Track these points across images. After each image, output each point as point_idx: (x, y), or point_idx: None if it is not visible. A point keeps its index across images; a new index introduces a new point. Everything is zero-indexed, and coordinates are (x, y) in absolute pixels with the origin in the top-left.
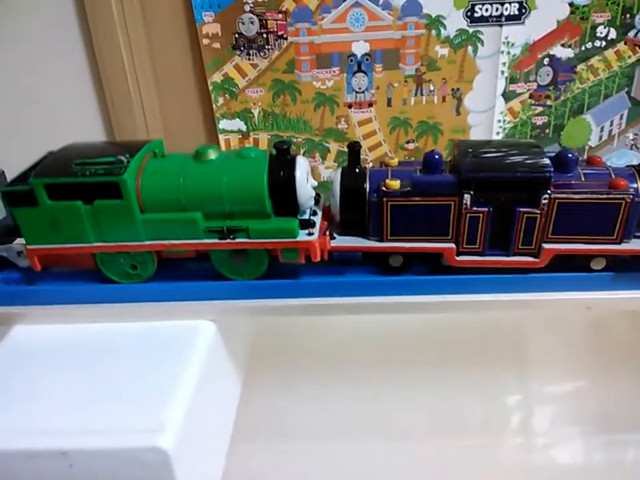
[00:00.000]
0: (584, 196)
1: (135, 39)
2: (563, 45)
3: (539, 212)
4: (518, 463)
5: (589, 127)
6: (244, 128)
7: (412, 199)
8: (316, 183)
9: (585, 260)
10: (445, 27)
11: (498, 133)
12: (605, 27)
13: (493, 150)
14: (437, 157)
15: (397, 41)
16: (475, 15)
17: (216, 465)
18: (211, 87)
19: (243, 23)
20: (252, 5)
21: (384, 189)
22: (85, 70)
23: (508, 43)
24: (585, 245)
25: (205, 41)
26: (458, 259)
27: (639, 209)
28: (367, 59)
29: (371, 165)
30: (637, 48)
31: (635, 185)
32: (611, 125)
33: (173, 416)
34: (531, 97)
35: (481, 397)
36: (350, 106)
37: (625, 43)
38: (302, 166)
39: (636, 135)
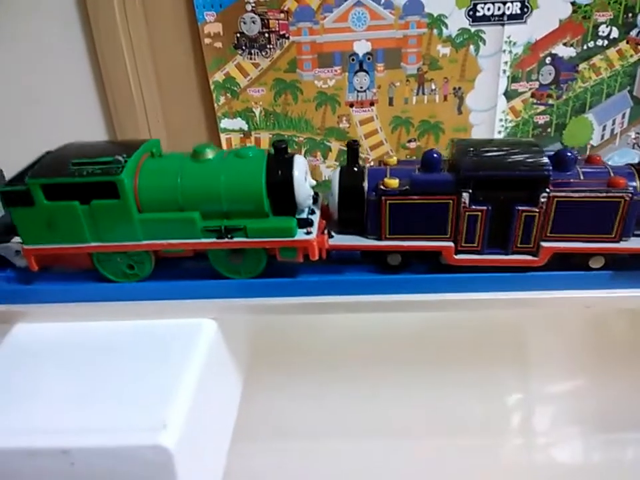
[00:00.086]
0: (583, 194)
1: (137, 38)
2: (565, 44)
3: (537, 210)
4: (517, 462)
5: (591, 125)
6: (245, 127)
7: (410, 197)
8: (314, 182)
9: (583, 258)
10: (446, 26)
11: (500, 132)
12: (607, 26)
13: (492, 149)
14: (435, 155)
15: (399, 40)
16: (477, 14)
17: (217, 463)
18: (212, 86)
19: (244, 23)
20: (254, 5)
21: (382, 187)
22: (85, 69)
23: (510, 42)
24: (584, 243)
25: (207, 41)
26: (456, 257)
27: (637, 208)
28: (369, 58)
29: (372, 164)
30: (639, 47)
31: (634, 184)
32: (613, 123)
33: (175, 414)
34: (532, 95)
35: (479, 396)
36: (351, 105)
37: (627, 42)
38: (300, 165)
39: (638, 133)
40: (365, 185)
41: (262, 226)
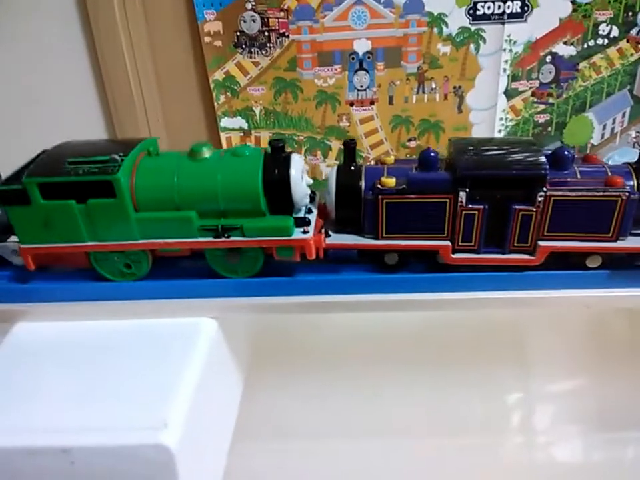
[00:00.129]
0: (580, 193)
1: (137, 36)
2: (565, 43)
3: (534, 209)
4: (517, 461)
5: (591, 124)
6: (245, 126)
7: (407, 196)
8: (311, 181)
9: (580, 258)
10: (447, 25)
11: (500, 131)
12: (607, 25)
13: (489, 147)
14: (432, 154)
15: (399, 38)
16: (477, 12)
17: (218, 462)
18: (212, 85)
19: (244, 21)
20: (253, 3)
21: (379, 186)
22: (86, 69)
23: (510, 40)
24: (581, 242)
25: (207, 39)
26: (453, 256)
27: (634, 207)
28: (369, 57)
29: (372, 163)
30: (639, 46)
31: (631, 183)
32: (613, 122)
33: (176, 413)
34: (533, 94)
35: (480, 395)
36: (351, 104)
37: (628, 41)
38: (297, 164)
39: (638, 132)
40: (362, 183)
41: (259, 225)
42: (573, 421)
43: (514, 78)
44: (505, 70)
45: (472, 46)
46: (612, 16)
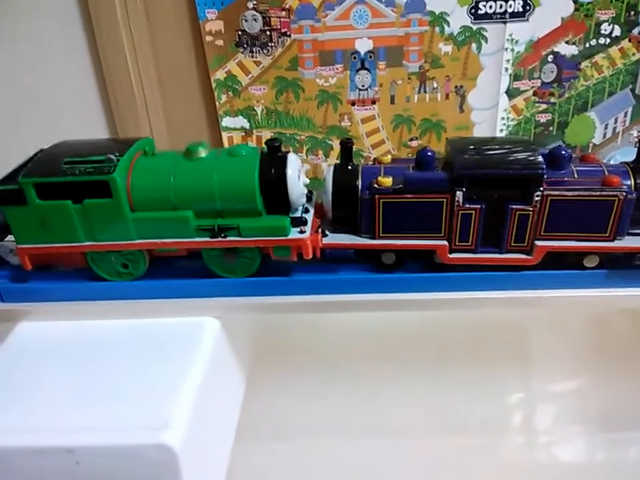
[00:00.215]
0: (577, 193)
1: (138, 35)
2: (567, 42)
3: (531, 209)
4: (518, 461)
5: (593, 124)
6: (247, 125)
7: (404, 196)
8: (308, 181)
9: (578, 257)
10: (448, 24)
11: (501, 130)
12: (609, 24)
13: (486, 147)
14: (429, 154)
15: (401, 38)
16: (479, 11)
17: (220, 462)
18: (214, 85)
19: (246, 20)
20: (255, 2)
21: (376, 186)
22: (87, 69)
23: (512, 40)
24: (578, 242)
25: (208, 38)
26: (450, 256)
27: (632, 206)
28: (370, 56)
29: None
30: None
31: (629, 182)
32: (615, 122)
33: (179, 413)
34: (534, 94)
35: (480, 395)
36: (353, 103)
37: (629, 40)
38: (293, 163)
39: None
40: (359, 183)
41: (255, 225)
42: (574, 421)
43: (516, 77)
44: (506, 69)
45: (474, 45)
46: (614, 15)
